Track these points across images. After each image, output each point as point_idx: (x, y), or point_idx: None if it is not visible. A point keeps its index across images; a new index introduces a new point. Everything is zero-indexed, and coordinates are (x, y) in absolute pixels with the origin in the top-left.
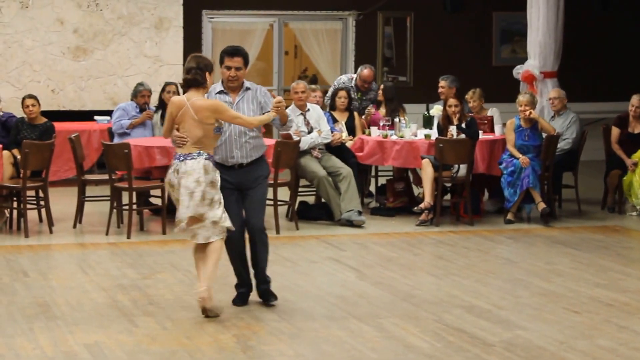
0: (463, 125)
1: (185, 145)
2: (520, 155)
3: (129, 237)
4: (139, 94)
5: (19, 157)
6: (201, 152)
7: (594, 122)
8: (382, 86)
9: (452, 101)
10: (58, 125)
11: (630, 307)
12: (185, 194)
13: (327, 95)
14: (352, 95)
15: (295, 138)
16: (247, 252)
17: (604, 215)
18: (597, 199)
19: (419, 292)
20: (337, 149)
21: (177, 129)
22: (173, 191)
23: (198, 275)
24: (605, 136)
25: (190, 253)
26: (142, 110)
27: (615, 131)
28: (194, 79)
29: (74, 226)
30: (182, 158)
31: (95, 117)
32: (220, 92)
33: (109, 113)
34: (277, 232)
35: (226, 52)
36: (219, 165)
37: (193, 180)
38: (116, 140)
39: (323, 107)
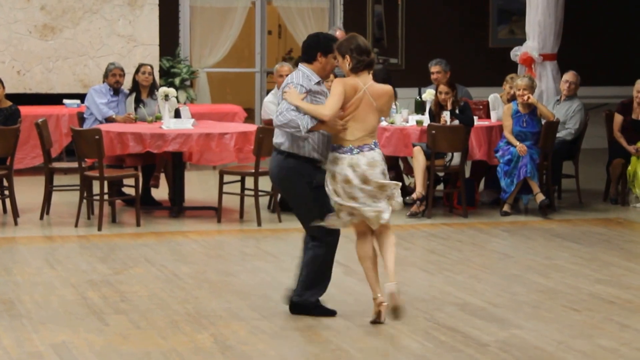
0: (457, 110)
1: (355, 134)
2: (518, 143)
3: (100, 230)
4: (110, 72)
5: None
6: (376, 142)
7: (595, 107)
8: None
9: (442, 88)
10: (24, 110)
11: (633, 304)
12: (377, 187)
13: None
14: None
15: None
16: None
17: (606, 206)
18: (598, 189)
19: (410, 288)
20: None
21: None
22: (344, 187)
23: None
24: (607, 123)
25: (165, 247)
26: (115, 91)
27: (617, 118)
28: (373, 60)
29: (41, 217)
30: (357, 151)
31: (64, 101)
32: (318, 83)
33: (78, 96)
34: (259, 224)
35: (335, 42)
36: (307, 162)
37: (380, 172)
38: (94, 125)
39: None
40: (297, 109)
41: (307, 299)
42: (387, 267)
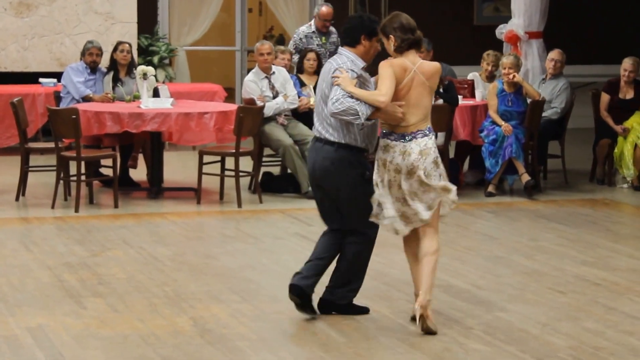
0: (441, 89)
1: (409, 120)
2: (503, 123)
3: (77, 211)
4: (87, 51)
5: None
6: (430, 127)
7: (582, 86)
8: None
9: None
10: None
11: (620, 286)
12: (424, 178)
13: (290, 45)
14: (316, 41)
15: (259, 103)
16: None
17: (592, 187)
18: (585, 169)
19: (393, 270)
20: (304, 115)
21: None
22: (395, 177)
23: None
24: (594, 102)
25: (143, 229)
26: (92, 70)
27: (604, 97)
28: (420, 38)
29: (17, 199)
30: (409, 137)
31: (40, 80)
32: (365, 68)
33: (55, 75)
34: (239, 205)
35: (378, 24)
36: (359, 152)
37: (431, 160)
38: (71, 104)
39: (290, 70)
40: (352, 95)
41: (339, 297)
42: (420, 277)
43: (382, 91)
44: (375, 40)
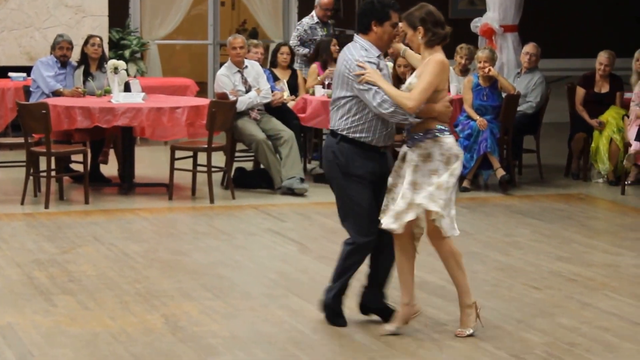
0: None
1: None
2: (478, 117)
3: (47, 207)
4: (57, 45)
5: None
6: None
7: (557, 80)
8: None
9: (401, 61)
10: None
11: (595, 282)
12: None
13: (293, 37)
14: (320, 32)
15: (232, 98)
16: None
17: (567, 182)
18: (560, 164)
19: (366, 267)
20: (277, 110)
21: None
22: (444, 168)
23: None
24: (569, 96)
25: (114, 225)
26: (63, 64)
27: (580, 91)
28: (448, 34)
29: None
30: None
31: (10, 74)
32: (379, 57)
33: (24, 69)
34: (212, 201)
35: (393, 7)
36: (360, 148)
37: None
38: (41, 99)
39: (264, 64)
40: (382, 90)
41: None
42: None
43: (413, 95)
44: (388, 25)
